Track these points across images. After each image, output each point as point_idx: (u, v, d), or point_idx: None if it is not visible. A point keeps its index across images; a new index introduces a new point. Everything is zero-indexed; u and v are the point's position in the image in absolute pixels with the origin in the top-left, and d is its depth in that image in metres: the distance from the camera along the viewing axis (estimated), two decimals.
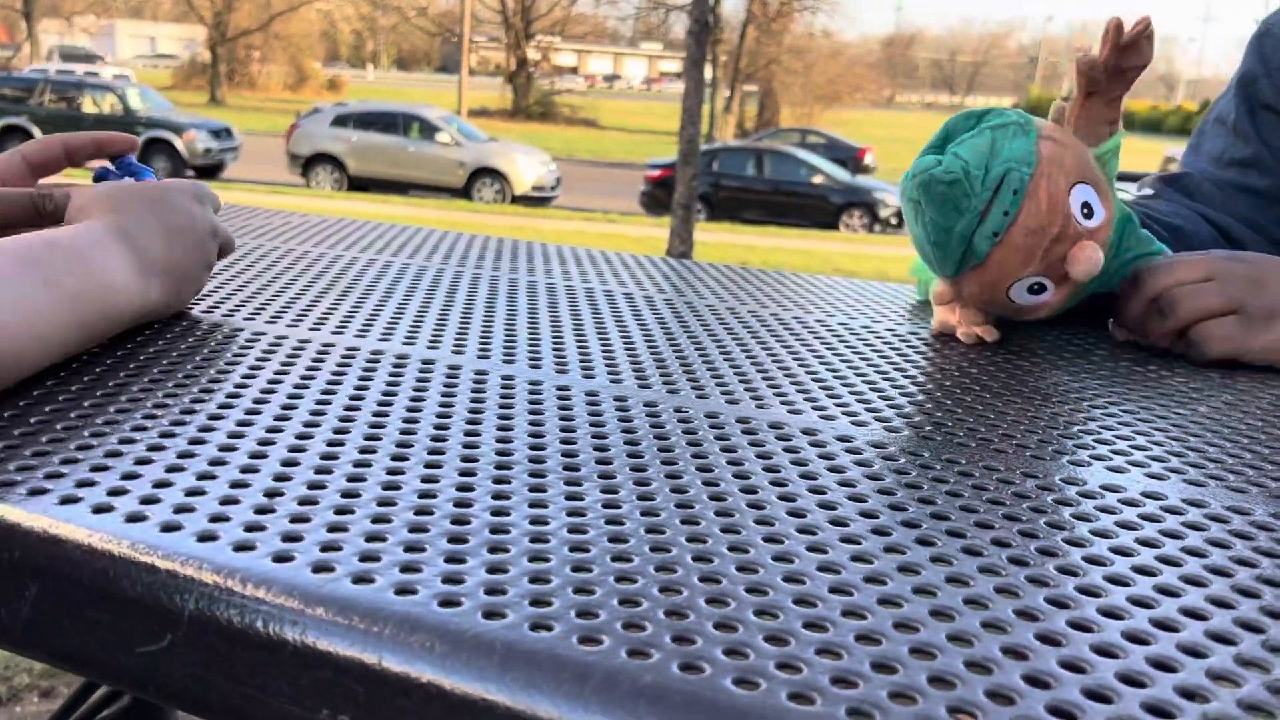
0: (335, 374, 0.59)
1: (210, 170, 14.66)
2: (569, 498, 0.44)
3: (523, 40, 30.55)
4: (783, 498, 0.46)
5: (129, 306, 0.60)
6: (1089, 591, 0.39)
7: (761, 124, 27.15)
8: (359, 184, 14.04)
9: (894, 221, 13.33)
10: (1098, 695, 0.32)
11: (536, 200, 14.03)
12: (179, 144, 14.30)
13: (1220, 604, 0.38)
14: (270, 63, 36.36)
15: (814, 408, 0.59)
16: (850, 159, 17.60)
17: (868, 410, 0.59)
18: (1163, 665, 0.34)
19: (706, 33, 8.08)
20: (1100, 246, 0.69)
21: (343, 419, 0.52)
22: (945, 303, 0.78)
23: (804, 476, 0.48)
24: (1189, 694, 0.33)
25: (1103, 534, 0.44)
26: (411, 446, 0.49)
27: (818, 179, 13.73)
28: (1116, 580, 0.40)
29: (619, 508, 0.43)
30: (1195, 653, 0.35)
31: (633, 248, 9.90)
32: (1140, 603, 0.38)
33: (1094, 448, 0.55)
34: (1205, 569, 0.41)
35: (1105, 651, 0.35)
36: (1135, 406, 0.64)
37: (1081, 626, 0.36)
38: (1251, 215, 0.93)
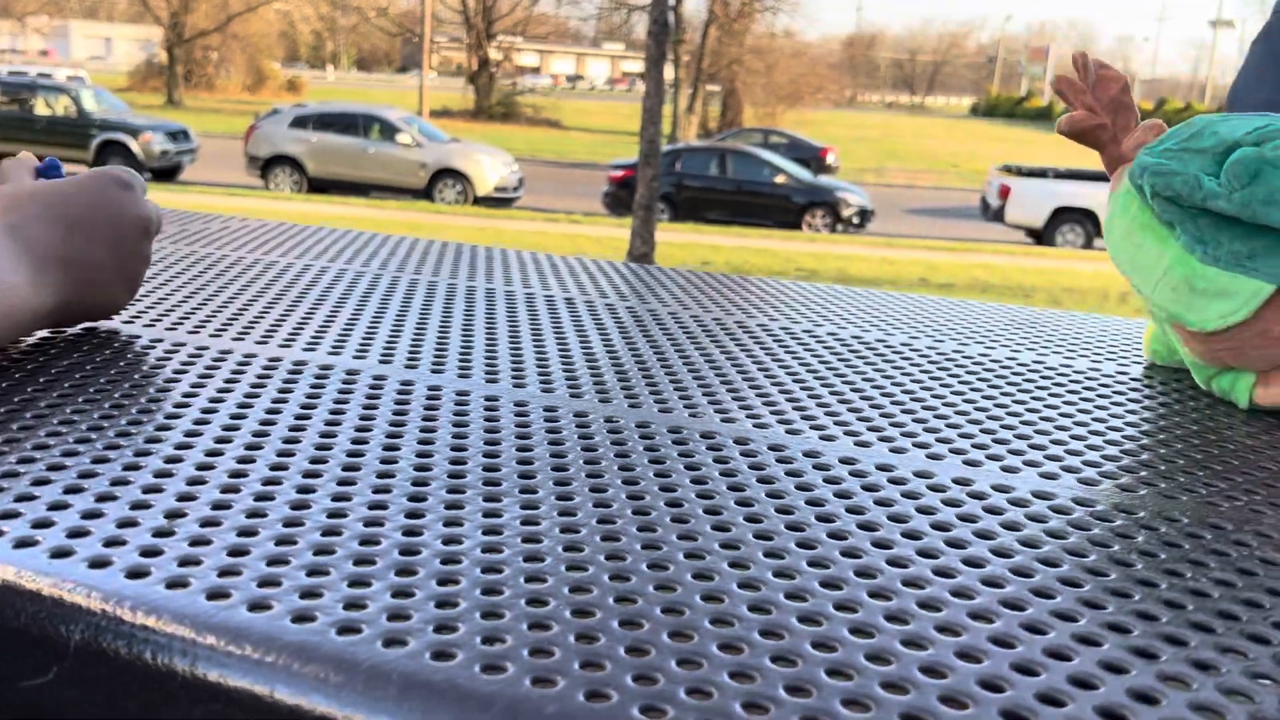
0: (253, 387, 0.57)
1: (168, 173, 14.49)
2: (486, 515, 0.43)
3: (484, 40, 30.42)
4: (709, 511, 0.45)
5: (22, 305, 0.56)
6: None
7: (724, 124, 27.19)
8: (319, 186, 13.93)
9: (855, 221, 13.40)
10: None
11: (499, 201, 13.97)
12: (135, 146, 14.12)
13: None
14: (228, 64, 36.00)
15: (749, 416, 0.58)
16: (813, 159, 17.68)
17: (803, 418, 0.58)
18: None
19: (666, 33, 8.08)
20: None
21: (257, 434, 0.50)
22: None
23: (732, 489, 0.47)
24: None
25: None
26: (326, 463, 0.47)
27: (780, 179, 13.77)
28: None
29: (538, 524, 0.42)
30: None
31: (595, 248, 9.88)
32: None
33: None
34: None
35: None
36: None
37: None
38: None
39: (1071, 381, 0.70)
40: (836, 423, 0.58)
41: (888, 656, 0.34)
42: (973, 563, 0.41)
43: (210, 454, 0.47)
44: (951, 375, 0.69)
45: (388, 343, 0.68)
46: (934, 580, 0.39)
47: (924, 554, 0.42)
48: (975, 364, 0.73)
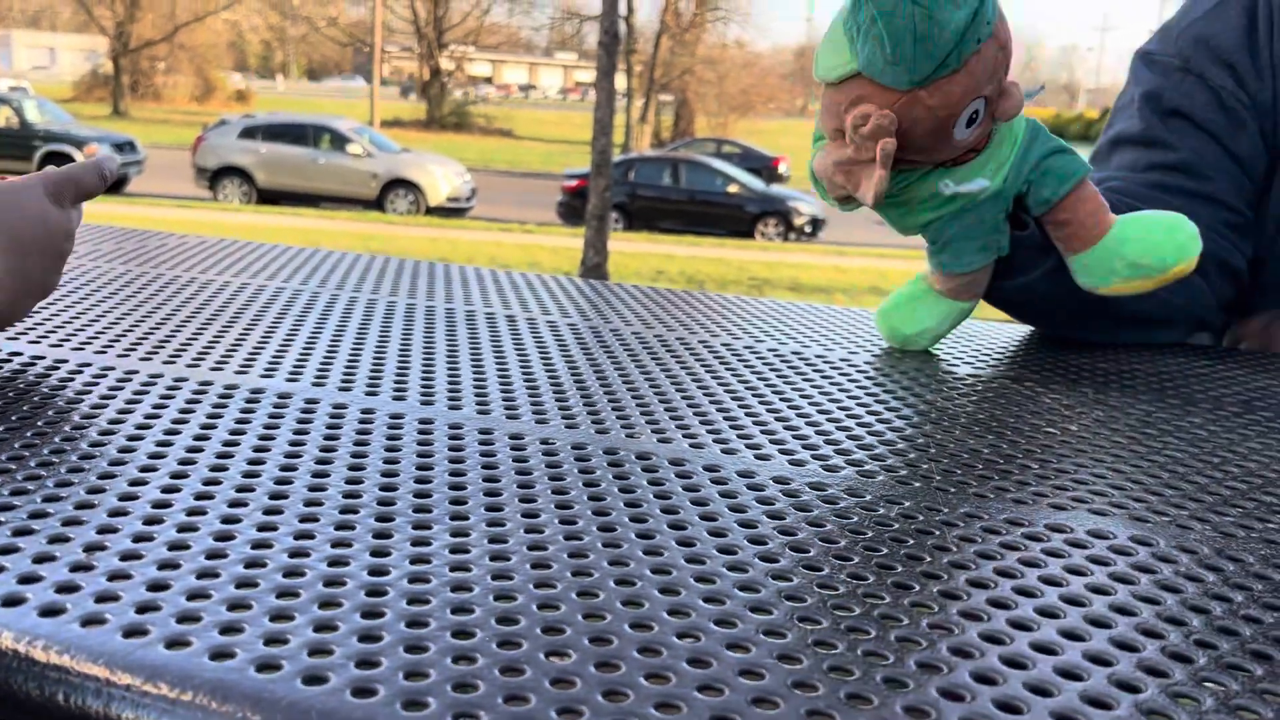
0: (182, 413, 0.56)
1: (114, 185, 14.24)
2: (415, 544, 0.42)
3: (436, 50, 30.30)
4: (640, 535, 0.44)
5: None
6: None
7: (677, 133, 27.29)
8: (269, 197, 13.78)
9: (808, 230, 13.49)
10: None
11: (452, 211, 13.91)
12: (80, 158, 13.86)
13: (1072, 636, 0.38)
14: (175, 74, 35.54)
15: (685, 436, 0.58)
16: (764, 168, 17.78)
17: (772, 442, 0.58)
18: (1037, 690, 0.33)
19: (617, 44, 8.09)
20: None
21: (183, 462, 0.49)
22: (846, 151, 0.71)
23: (665, 511, 0.47)
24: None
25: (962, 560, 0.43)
26: (252, 491, 0.46)
27: (733, 188, 13.83)
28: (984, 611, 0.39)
29: (467, 552, 0.42)
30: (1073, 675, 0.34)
31: (549, 258, 9.86)
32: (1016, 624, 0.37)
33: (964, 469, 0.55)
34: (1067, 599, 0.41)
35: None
36: (1005, 429, 0.64)
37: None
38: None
39: (1003, 391, 0.71)
40: (772, 441, 0.58)
41: (813, 684, 0.34)
42: (856, 575, 0.41)
43: (134, 484, 0.46)
44: (886, 391, 0.70)
45: (322, 364, 0.67)
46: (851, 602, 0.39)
47: (854, 575, 0.42)
48: (908, 379, 0.73)
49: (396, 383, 0.64)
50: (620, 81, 22.83)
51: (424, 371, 0.67)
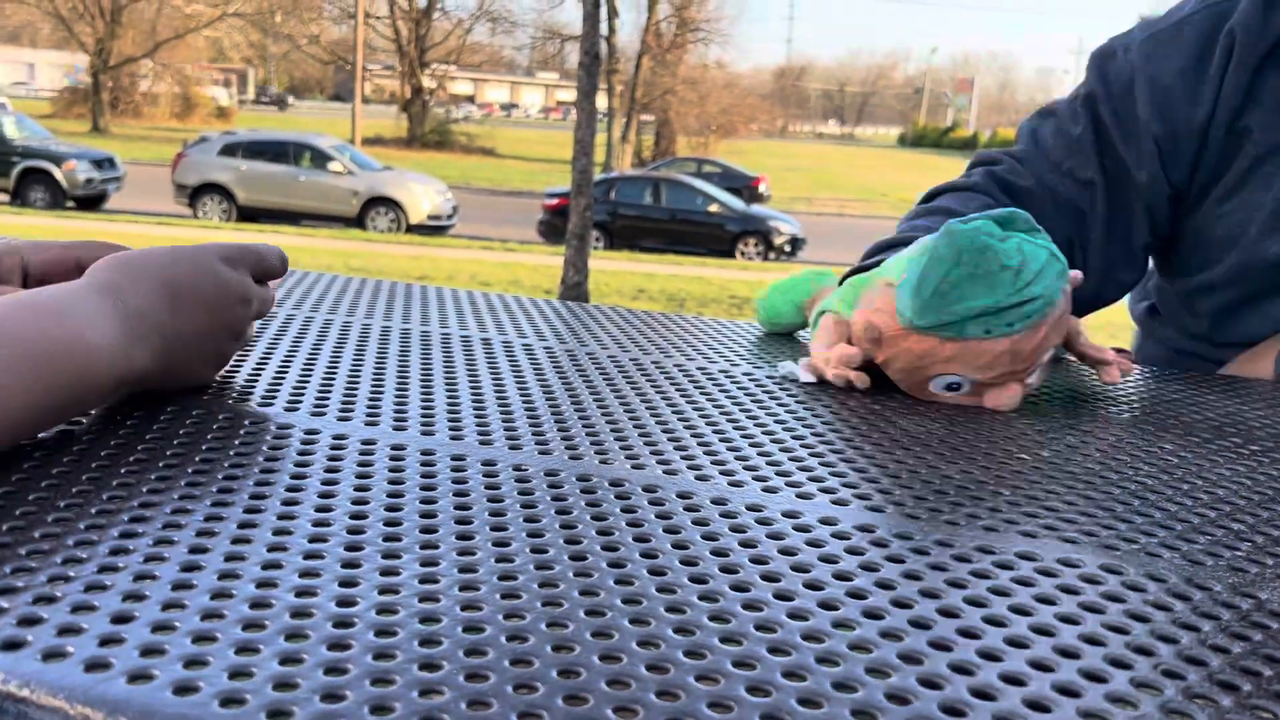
0: (152, 439, 0.56)
1: (92, 201, 14.20)
2: (384, 573, 0.42)
3: (418, 69, 30.34)
4: (612, 564, 0.44)
5: (108, 370, 0.53)
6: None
7: (659, 153, 27.38)
8: (249, 214, 13.74)
9: (787, 249, 13.55)
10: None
11: (433, 229, 13.90)
12: (58, 174, 13.82)
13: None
14: (156, 90, 35.42)
15: (659, 462, 0.58)
16: (745, 188, 17.87)
17: (744, 466, 0.58)
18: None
19: (598, 64, 8.13)
20: None
21: (152, 490, 0.49)
22: (831, 341, 0.78)
23: (638, 540, 0.47)
24: None
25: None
26: (222, 519, 0.46)
27: (714, 208, 13.89)
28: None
29: (436, 582, 0.41)
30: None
31: (530, 276, 9.86)
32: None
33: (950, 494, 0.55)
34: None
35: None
36: (976, 452, 0.64)
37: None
38: (1068, 233, 0.99)
39: (976, 416, 0.71)
40: (746, 468, 0.58)
41: (781, 717, 0.34)
42: (840, 602, 0.41)
43: (102, 514, 0.46)
44: (859, 417, 0.70)
45: (295, 389, 0.67)
46: (821, 619, 0.39)
47: (825, 605, 0.42)
48: (879, 404, 0.74)
49: (369, 408, 0.64)
50: (601, 101, 22.91)
51: (398, 397, 0.67)
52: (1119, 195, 1.00)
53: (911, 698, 0.35)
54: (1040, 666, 0.38)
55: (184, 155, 14.06)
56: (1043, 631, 0.41)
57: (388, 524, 0.47)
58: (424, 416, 0.63)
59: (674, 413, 0.68)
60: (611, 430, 0.63)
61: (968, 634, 0.40)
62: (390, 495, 0.50)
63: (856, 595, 0.43)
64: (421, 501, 0.50)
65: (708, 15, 28.00)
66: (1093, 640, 0.40)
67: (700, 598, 0.42)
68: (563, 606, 0.40)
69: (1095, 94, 1.01)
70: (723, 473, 0.57)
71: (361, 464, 0.54)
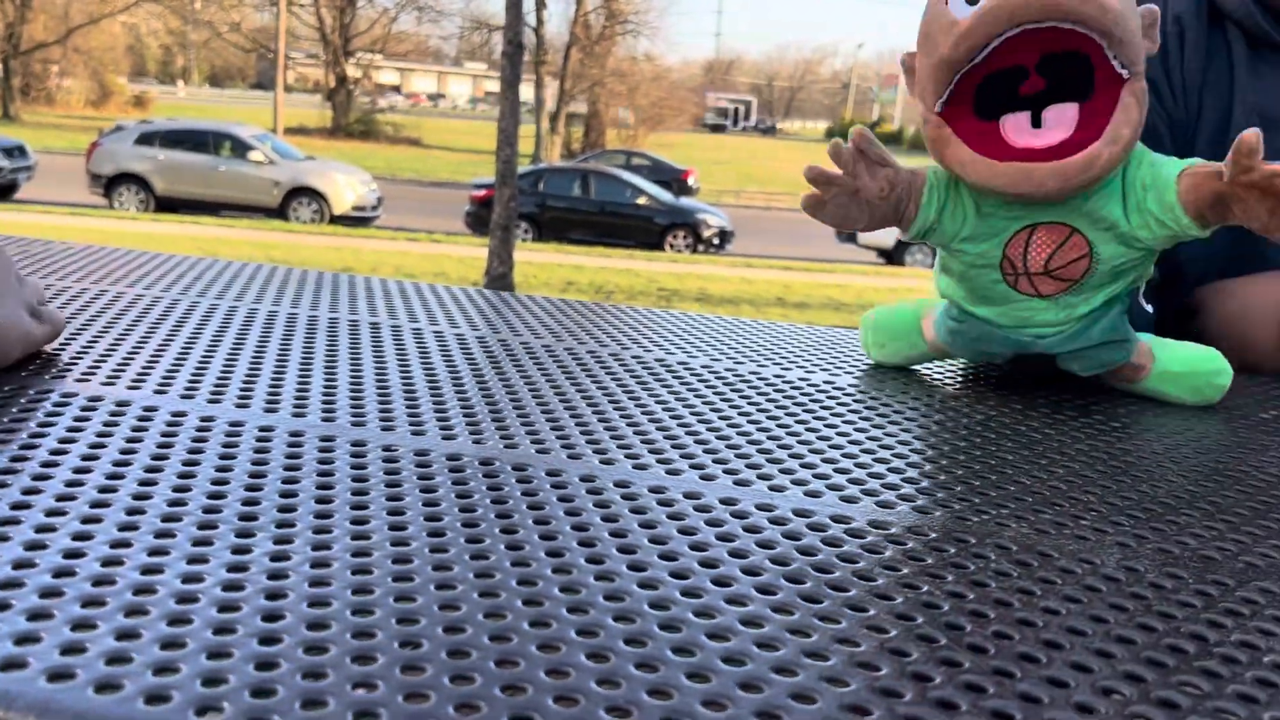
0: (70, 431, 0.54)
1: (3, 191, 13.75)
2: (314, 565, 0.41)
3: (342, 58, 29.87)
4: (550, 553, 0.44)
5: None
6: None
7: (588, 145, 27.32)
8: (167, 205, 13.42)
9: (716, 242, 13.61)
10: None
11: (357, 220, 13.71)
12: None
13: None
14: (70, 77, 34.42)
15: (595, 451, 0.57)
16: (674, 180, 17.89)
17: (709, 458, 0.58)
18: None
19: (521, 54, 8.08)
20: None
21: (70, 484, 0.47)
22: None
23: (575, 528, 0.46)
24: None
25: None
26: (144, 513, 0.44)
27: (642, 200, 13.89)
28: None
29: (370, 573, 0.40)
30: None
31: (456, 268, 9.78)
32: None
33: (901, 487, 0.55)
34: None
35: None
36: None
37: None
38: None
39: (897, 405, 0.72)
40: (683, 455, 0.58)
41: (723, 701, 0.34)
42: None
43: (16, 506, 0.44)
44: (796, 404, 0.70)
45: (219, 380, 0.65)
46: (761, 610, 0.39)
47: (761, 590, 0.42)
48: (819, 390, 0.74)
49: (297, 399, 0.62)
50: (529, 92, 22.79)
51: (326, 387, 0.65)
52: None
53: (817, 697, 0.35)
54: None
55: (99, 144, 13.68)
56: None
57: (318, 516, 0.46)
58: (354, 408, 0.62)
59: (610, 402, 0.67)
60: (548, 420, 0.62)
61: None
62: (320, 487, 0.49)
63: (766, 591, 0.43)
64: (353, 494, 0.48)
65: (636, 8, 27.99)
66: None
67: (640, 585, 0.41)
68: (500, 597, 0.40)
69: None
70: (660, 461, 0.56)
71: (290, 455, 0.53)
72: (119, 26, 37.26)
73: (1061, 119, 0.67)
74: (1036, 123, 0.68)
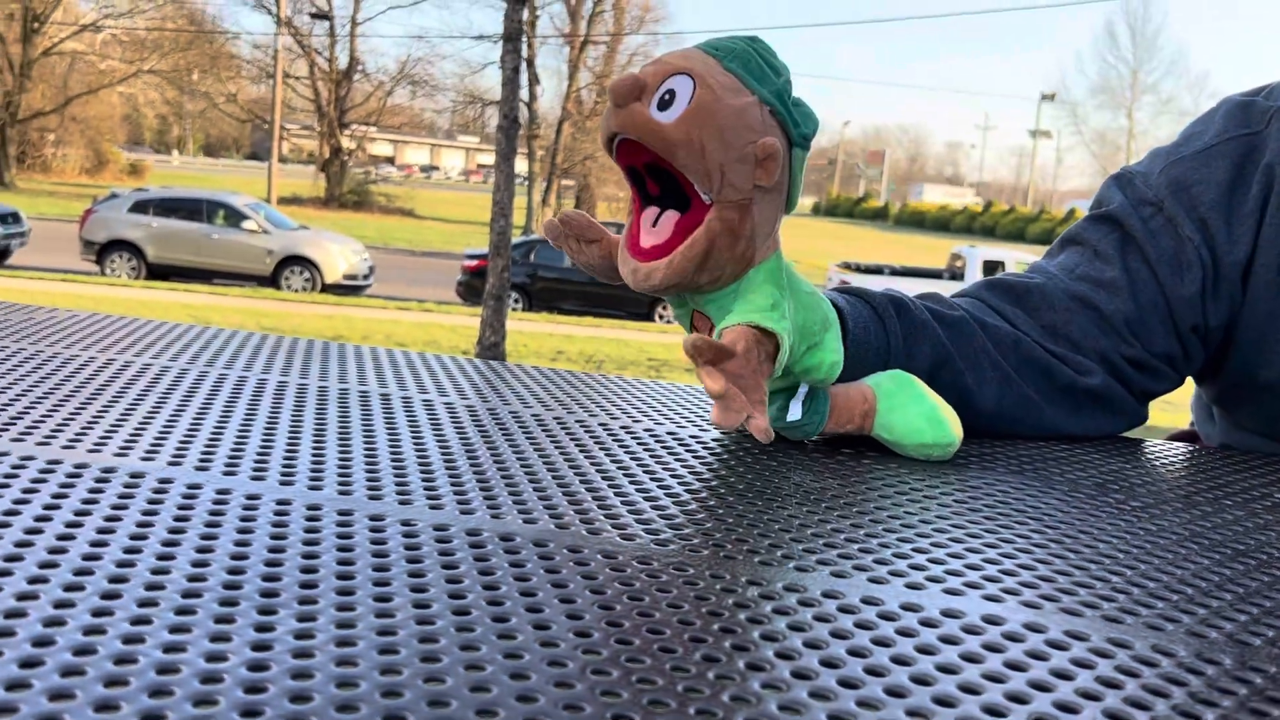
0: (54, 498, 0.53)
1: None
2: (258, 629, 0.40)
3: (337, 129, 30.23)
4: (536, 625, 0.43)
5: None
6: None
7: None
8: (159, 272, 13.47)
9: None
10: None
11: (349, 289, 13.77)
12: None
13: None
14: (66, 145, 34.73)
15: (552, 517, 0.57)
16: None
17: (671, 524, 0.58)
18: None
19: (516, 128, 8.19)
20: None
21: (53, 550, 0.47)
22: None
23: (561, 600, 0.46)
24: None
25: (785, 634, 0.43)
26: (91, 574, 0.44)
27: None
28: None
29: (312, 637, 0.40)
30: None
31: (448, 337, 9.80)
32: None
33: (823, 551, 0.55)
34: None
35: None
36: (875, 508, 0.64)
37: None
38: (1082, 334, 0.93)
39: (871, 469, 0.72)
40: (671, 526, 0.57)
41: None
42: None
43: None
44: (754, 474, 0.70)
45: (207, 447, 0.65)
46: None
47: (708, 658, 0.41)
48: (777, 461, 0.74)
49: (284, 467, 0.62)
50: (522, 165, 23.06)
51: (314, 455, 0.65)
52: (1145, 302, 0.94)
53: None
54: (918, 715, 0.38)
55: (93, 211, 13.77)
56: (922, 681, 0.41)
57: (303, 586, 0.45)
58: (341, 476, 0.61)
59: (595, 468, 0.67)
60: (534, 488, 0.62)
61: (848, 684, 0.40)
62: (305, 557, 0.49)
63: (739, 648, 0.42)
64: (339, 564, 0.48)
65: None
66: (971, 689, 0.40)
67: (625, 659, 0.41)
68: (485, 670, 0.39)
69: (1114, 214, 0.97)
70: (648, 532, 0.56)
71: (276, 524, 0.52)
72: (116, 96, 37.71)
73: (665, 224, 0.70)
74: (657, 222, 0.70)
